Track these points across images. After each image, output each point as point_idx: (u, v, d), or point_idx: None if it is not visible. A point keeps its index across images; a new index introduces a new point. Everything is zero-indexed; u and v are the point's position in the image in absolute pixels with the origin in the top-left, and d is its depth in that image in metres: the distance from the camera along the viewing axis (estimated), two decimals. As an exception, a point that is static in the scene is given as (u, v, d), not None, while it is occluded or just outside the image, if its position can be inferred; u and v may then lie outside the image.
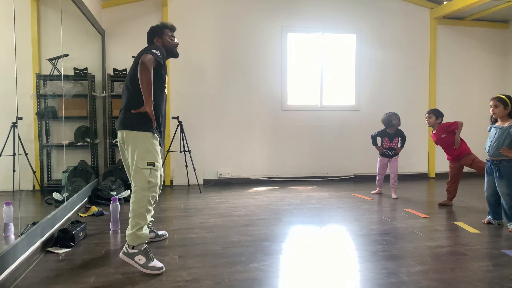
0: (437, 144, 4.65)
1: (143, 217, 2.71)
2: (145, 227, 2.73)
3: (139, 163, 2.76)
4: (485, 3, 5.78)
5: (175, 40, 3.18)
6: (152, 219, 3.29)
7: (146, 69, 2.69)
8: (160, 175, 2.91)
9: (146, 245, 2.70)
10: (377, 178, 5.28)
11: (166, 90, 3.07)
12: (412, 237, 3.36)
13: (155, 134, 2.86)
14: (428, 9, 6.61)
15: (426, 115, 4.60)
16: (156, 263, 2.63)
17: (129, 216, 2.73)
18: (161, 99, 2.98)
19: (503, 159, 3.55)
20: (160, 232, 3.34)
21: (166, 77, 3.04)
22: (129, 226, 2.72)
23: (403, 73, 6.58)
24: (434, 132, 4.58)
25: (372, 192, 5.32)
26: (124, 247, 2.69)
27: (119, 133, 2.91)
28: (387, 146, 5.11)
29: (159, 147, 2.92)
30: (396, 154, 5.10)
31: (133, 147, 2.81)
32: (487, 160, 3.72)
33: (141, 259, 2.62)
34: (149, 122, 2.81)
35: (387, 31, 6.49)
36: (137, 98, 2.79)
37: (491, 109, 3.64)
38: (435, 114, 4.53)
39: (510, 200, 3.54)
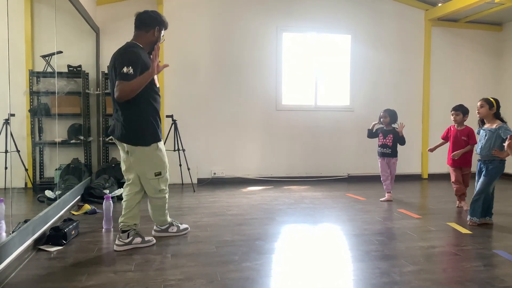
0: (447, 140, 4.45)
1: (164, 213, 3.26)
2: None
3: (148, 174, 2.98)
4: (479, 6, 5.83)
5: (161, 39, 3.06)
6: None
7: (126, 94, 2.78)
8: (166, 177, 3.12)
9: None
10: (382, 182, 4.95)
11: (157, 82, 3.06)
12: (404, 237, 3.38)
13: (157, 143, 2.96)
14: (423, 10, 6.65)
15: (453, 112, 4.33)
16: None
17: (153, 218, 3.27)
18: (157, 100, 3.02)
19: (495, 159, 3.66)
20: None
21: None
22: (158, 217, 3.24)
23: (397, 74, 6.61)
24: (457, 128, 4.35)
25: (381, 199, 4.89)
26: (153, 230, 3.30)
27: (118, 142, 2.98)
28: (380, 143, 4.91)
29: (163, 148, 3.06)
30: (389, 155, 4.83)
31: (139, 160, 2.94)
32: (478, 161, 3.81)
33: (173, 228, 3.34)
34: (152, 134, 2.91)
35: (382, 32, 6.51)
36: (131, 109, 2.85)
37: (477, 110, 3.77)
38: (463, 111, 4.30)
39: (481, 196, 3.68)
